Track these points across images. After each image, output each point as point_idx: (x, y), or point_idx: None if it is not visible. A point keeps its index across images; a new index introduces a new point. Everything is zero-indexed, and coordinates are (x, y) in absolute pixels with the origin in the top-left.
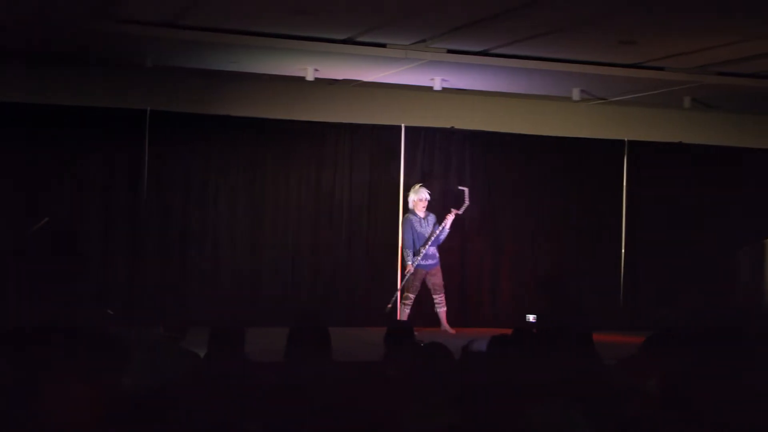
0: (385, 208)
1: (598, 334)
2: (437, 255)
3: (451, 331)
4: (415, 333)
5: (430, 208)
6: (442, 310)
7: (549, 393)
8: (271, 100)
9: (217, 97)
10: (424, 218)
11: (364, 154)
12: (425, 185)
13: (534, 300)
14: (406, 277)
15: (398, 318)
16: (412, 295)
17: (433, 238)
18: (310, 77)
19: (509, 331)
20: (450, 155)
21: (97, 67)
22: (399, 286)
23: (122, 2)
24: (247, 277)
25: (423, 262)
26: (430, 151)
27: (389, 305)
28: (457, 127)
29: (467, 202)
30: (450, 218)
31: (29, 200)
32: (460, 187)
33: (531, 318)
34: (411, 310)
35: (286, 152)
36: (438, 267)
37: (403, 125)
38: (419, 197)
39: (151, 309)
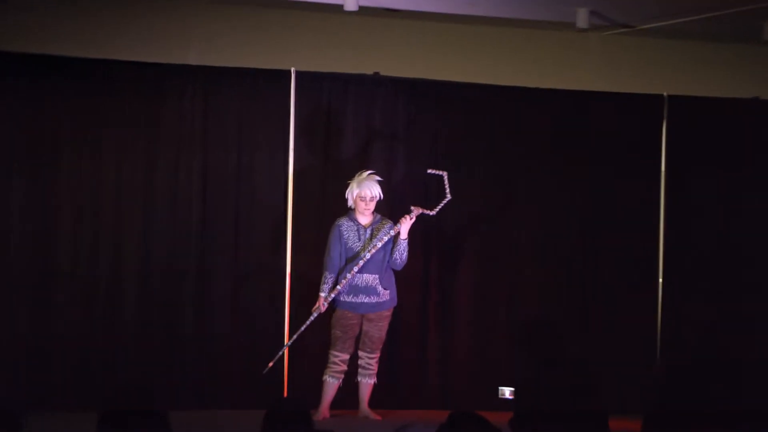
0: (264, 209)
1: (618, 419)
2: (384, 290)
3: (374, 416)
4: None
5: (331, 206)
6: (368, 381)
7: None
8: (63, 26)
9: None
10: (365, 226)
11: (229, 118)
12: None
13: (512, 363)
14: (311, 318)
15: (325, 395)
16: (341, 356)
17: (368, 255)
18: None
19: (467, 413)
20: (373, 118)
21: None
22: (299, 333)
23: None
24: (28, 325)
25: (351, 299)
26: (339, 112)
27: (270, 364)
28: (383, 73)
29: (449, 196)
30: (407, 222)
31: None
32: (431, 171)
33: (507, 393)
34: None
35: (93, 115)
36: (386, 312)
37: (293, 70)
38: (362, 192)
39: None
